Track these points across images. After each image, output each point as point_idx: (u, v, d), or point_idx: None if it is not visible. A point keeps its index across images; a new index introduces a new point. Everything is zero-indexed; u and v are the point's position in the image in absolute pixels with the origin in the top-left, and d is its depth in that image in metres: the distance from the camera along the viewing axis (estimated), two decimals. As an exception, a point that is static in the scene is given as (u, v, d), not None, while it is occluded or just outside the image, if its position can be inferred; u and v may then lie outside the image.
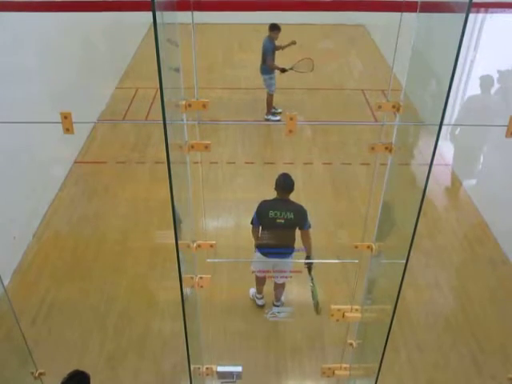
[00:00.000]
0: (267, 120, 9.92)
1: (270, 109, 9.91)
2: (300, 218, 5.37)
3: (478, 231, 7.27)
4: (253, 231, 5.51)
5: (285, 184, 5.36)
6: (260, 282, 5.98)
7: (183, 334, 3.18)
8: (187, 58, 2.85)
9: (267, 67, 9.46)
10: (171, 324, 5.75)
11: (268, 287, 6.01)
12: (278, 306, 6.02)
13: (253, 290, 6.15)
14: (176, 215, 2.70)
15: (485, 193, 7.55)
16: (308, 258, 5.44)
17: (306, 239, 5.48)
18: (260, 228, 5.48)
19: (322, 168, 8.53)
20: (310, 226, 5.45)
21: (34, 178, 6.90)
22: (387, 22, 3.17)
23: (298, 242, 5.50)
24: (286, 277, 5.76)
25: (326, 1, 2.96)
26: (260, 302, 6.08)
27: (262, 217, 5.37)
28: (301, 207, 5.41)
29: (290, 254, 5.52)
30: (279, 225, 5.31)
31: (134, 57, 12.53)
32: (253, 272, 5.86)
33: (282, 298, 6.08)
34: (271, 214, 5.29)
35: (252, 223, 5.47)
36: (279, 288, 5.97)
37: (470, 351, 5.60)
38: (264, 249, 5.51)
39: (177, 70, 2.51)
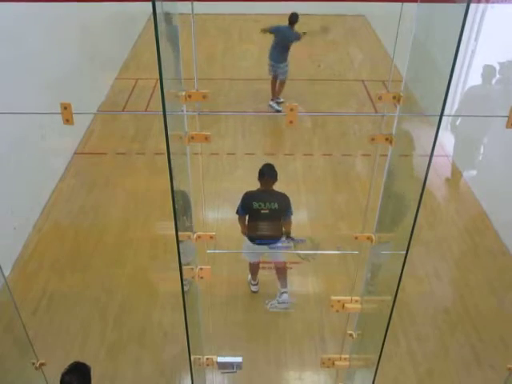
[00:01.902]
0: (271, 107, 9.87)
1: (278, 95, 9.91)
2: (284, 207, 5.48)
3: (478, 222, 7.28)
4: (239, 220, 5.66)
5: (268, 175, 5.45)
6: (253, 270, 6.06)
7: (183, 325, 3.19)
8: (187, 48, 2.84)
9: (286, 55, 9.46)
10: (171, 315, 5.76)
11: (270, 277, 6.01)
12: (286, 293, 5.98)
13: (249, 276, 6.23)
14: (189, 208, 2.70)
15: (485, 184, 7.54)
16: (288, 234, 5.63)
17: (287, 225, 5.65)
18: (247, 217, 5.62)
19: (322, 159, 8.52)
20: (292, 213, 5.58)
21: (34, 169, 6.89)
22: (388, 13, 3.15)
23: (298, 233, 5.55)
24: (283, 262, 5.82)
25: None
26: (254, 288, 6.18)
27: (247, 208, 5.50)
28: (284, 196, 5.50)
29: (278, 239, 5.62)
30: (264, 215, 5.42)
31: (134, 47, 12.48)
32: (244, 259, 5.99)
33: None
34: (255, 205, 5.40)
35: (237, 213, 5.60)
36: (281, 271, 5.94)
37: (469, 341, 5.62)
38: (252, 236, 5.66)
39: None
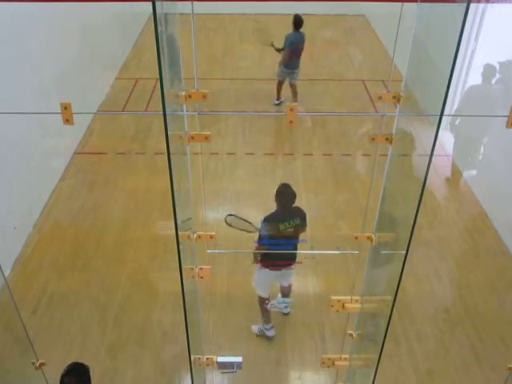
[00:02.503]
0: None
1: (296, 99, 9.96)
2: (304, 220, 5.36)
3: (478, 222, 7.28)
4: (257, 250, 5.34)
5: (291, 197, 5.24)
6: (266, 308, 5.66)
7: (183, 325, 3.19)
8: (187, 48, 2.84)
9: (300, 59, 9.55)
10: (171, 314, 5.76)
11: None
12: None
13: (256, 328, 5.76)
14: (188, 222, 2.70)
15: (485, 184, 7.54)
16: None
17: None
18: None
19: (322, 159, 8.52)
20: (307, 225, 5.45)
21: (35, 169, 6.89)
22: (388, 13, 3.15)
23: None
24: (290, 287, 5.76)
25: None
26: (270, 333, 5.67)
27: (273, 232, 5.21)
28: (301, 209, 5.37)
29: (295, 255, 5.44)
30: (289, 233, 5.24)
31: (135, 47, 12.48)
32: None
33: None
34: (281, 227, 5.19)
35: (260, 241, 5.28)
36: (286, 289, 5.82)
37: (469, 341, 5.62)
38: (275, 244, 5.38)
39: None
